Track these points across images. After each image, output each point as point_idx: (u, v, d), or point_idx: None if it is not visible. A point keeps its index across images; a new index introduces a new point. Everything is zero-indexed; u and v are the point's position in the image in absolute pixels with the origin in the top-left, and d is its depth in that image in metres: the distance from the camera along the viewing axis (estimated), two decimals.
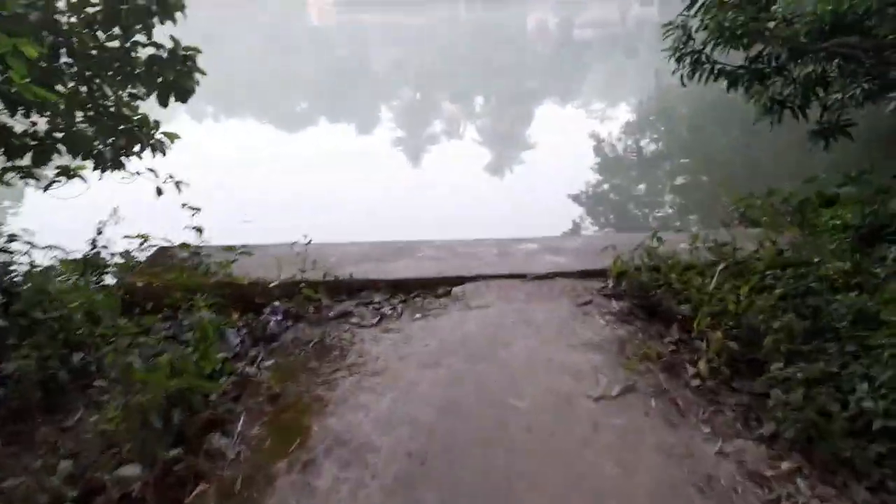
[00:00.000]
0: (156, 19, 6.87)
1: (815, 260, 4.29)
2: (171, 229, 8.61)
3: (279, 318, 4.18)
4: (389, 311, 4.26)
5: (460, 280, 4.55)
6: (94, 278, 4.78)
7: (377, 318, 4.18)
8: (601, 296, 4.32)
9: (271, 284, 4.39)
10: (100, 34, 6.49)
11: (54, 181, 7.58)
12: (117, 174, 7.74)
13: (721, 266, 4.12)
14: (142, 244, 5.35)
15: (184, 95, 7.28)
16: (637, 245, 4.68)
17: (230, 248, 4.50)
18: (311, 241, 4.71)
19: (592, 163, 12.57)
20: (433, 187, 11.28)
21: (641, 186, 10.91)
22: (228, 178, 11.00)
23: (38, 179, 7.41)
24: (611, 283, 4.42)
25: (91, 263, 4.98)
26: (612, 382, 3.42)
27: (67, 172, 7.65)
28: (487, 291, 4.39)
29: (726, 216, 6.60)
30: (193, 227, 4.94)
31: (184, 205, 4.86)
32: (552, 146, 14.05)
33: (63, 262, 4.92)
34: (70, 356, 3.88)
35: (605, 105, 19.95)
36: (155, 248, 5.40)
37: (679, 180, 11.06)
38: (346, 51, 30.11)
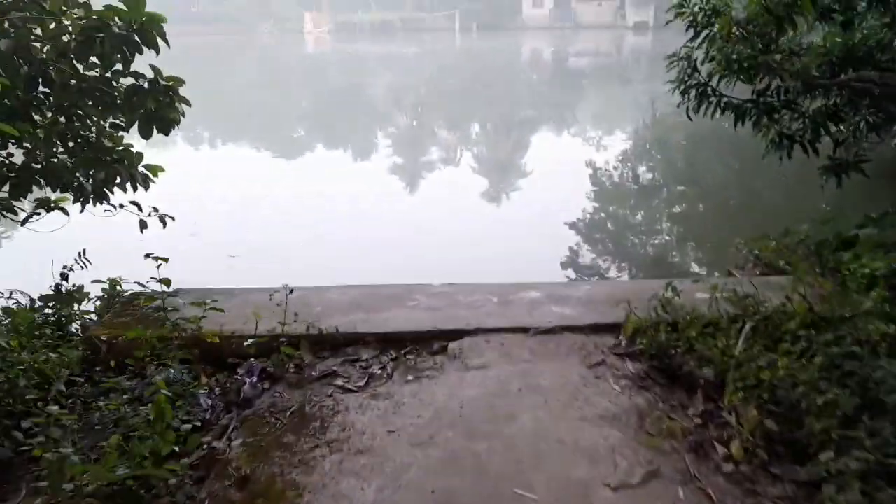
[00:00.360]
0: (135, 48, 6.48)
1: (849, 314, 3.85)
2: (152, 269, 8.13)
3: (254, 379, 3.69)
4: (378, 371, 3.77)
5: (457, 334, 4.06)
6: (52, 331, 4.28)
7: (364, 380, 3.69)
8: (614, 355, 3.84)
9: (246, 343, 3.89)
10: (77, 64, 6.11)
11: (33, 214, 7.13)
12: (100, 207, 7.32)
13: (748, 326, 3.65)
14: (112, 293, 4.88)
15: (165, 127, 6.83)
16: (650, 296, 4.23)
17: (200, 304, 3.99)
18: (292, 290, 4.22)
19: (591, 193, 12.18)
20: (429, 219, 10.83)
21: (645, 222, 10.48)
22: (217, 209, 10.55)
23: (15, 213, 6.95)
24: (624, 341, 3.95)
25: (51, 312, 4.49)
26: (632, 466, 2.93)
27: (47, 205, 7.19)
28: (487, 348, 3.91)
29: (739, 258, 6.15)
30: (159, 280, 4.43)
31: (147, 255, 4.34)
32: (549, 176, 13.63)
33: (19, 311, 4.44)
34: (18, 426, 3.39)
35: (603, 133, 19.64)
36: (127, 293, 4.91)
37: (683, 214, 10.64)
38: (342, 79, 29.86)
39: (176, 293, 4.96)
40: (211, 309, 3.92)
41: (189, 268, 8.11)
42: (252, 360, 3.85)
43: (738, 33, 6.50)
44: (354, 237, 9.45)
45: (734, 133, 7.43)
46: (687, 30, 7.02)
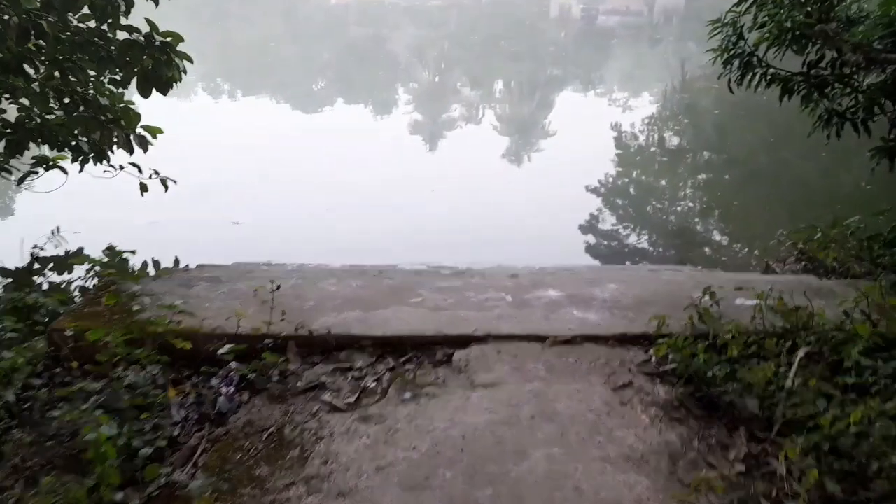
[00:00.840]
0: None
1: None
2: (150, 239, 7.69)
3: (231, 390, 3.21)
4: (372, 384, 3.28)
5: (464, 341, 3.54)
6: (16, 320, 3.81)
7: (356, 395, 3.19)
8: (643, 374, 3.31)
9: (220, 352, 3.38)
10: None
11: (30, 172, 6.67)
12: (100, 167, 6.83)
13: (801, 351, 3.09)
14: (89, 272, 4.42)
15: (163, 86, 6.31)
16: (684, 299, 3.70)
17: (172, 307, 3.50)
18: (279, 286, 3.70)
19: (615, 160, 11.52)
20: (447, 180, 10.26)
21: (672, 196, 9.83)
22: (226, 169, 10.03)
23: (10, 172, 6.50)
24: (654, 358, 3.41)
25: (15, 300, 4.03)
26: None
27: (45, 163, 6.72)
28: (497, 360, 3.39)
29: (781, 251, 5.55)
30: (153, 261, 3.94)
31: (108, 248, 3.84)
32: (573, 140, 12.98)
33: None
34: None
35: (630, 95, 18.79)
36: (104, 276, 4.43)
37: (716, 193, 9.95)
38: (362, 31, 28.92)
39: (159, 275, 4.49)
40: (181, 313, 3.42)
41: (190, 236, 7.68)
42: (232, 363, 3.37)
43: None
44: (369, 202, 8.95)
45: (769, 102, 6.72)
46: None
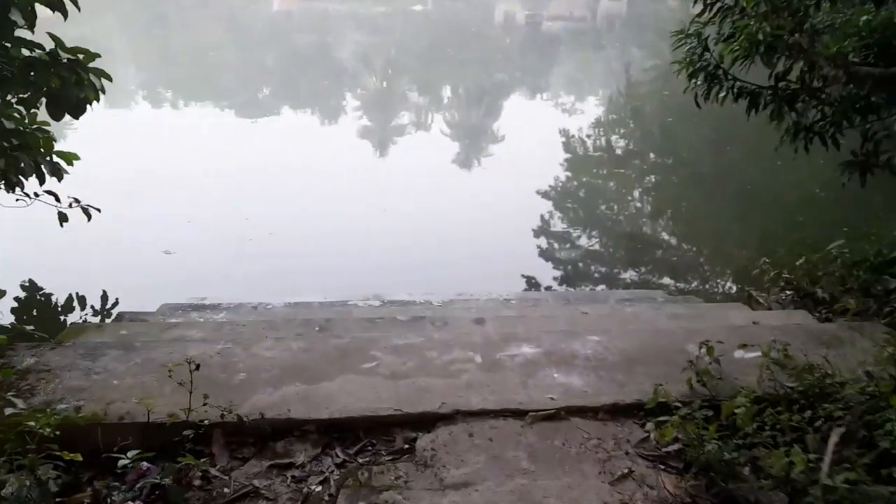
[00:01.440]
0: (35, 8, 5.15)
1: None
2: (77, 271, 6.81)
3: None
4: (317, 488, 2.60)
5: (429, 420, 2.90)
6: None
7: None
8: (643, 459, 2.72)
9: (121, 463, 2.63)
10: None
11: None
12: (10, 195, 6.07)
13: (835, 434, 2.54)
14: None
15: (74, 109, 5.52)
16: (677, 351, 3.15)
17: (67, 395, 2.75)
18: (198, 366, 2.97)
19: (565, 168, 11.07)
20: (397, 193, 9.61)
21: (632, 213, 9.37)
22: (158, 191, 9.14)
23: None
24: (654, 434, 2.84)
25: None
26: None
27: None
28: (470, 446, 2.76)
29: (765, 280, 5.05)
30: (77, 296, 3.18)
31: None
32: (525, 150, 12.45)
33: None
34: None
35: (576, 101, 18.45)
36: None
37: (680, 209, 9.50)
38: (307, 38, 28.00)
39: (61, 339, 3.73)
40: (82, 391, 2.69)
41: (114, 267, 6.84)
42: (143, 464, 2.66)
43: (764, 7, 5.36)
44: (317, 221, 8.23)
45: (718, 108, 6.31)
46: (695, 3, 5.90)
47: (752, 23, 5.32)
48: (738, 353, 3.34)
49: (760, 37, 5.19)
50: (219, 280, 6.66)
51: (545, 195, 9.60)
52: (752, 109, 5.79)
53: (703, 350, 3.17)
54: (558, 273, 7.30)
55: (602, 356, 3.37)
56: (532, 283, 7.05)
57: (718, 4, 5.80)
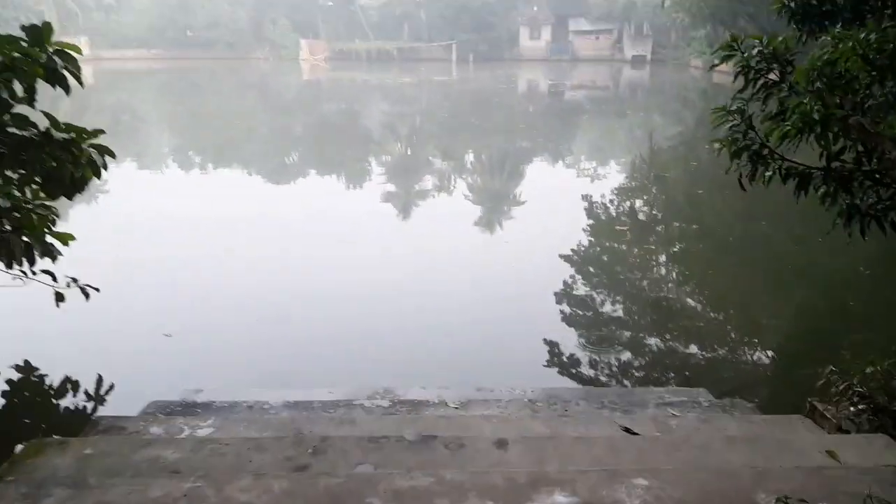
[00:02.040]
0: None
1: None
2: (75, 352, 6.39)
3: None
4: None
5: None
6: None
7: None
8: None
9: None
10: None
11: None
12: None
13: None
14: None
15: (69, 188, 5.11)
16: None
17: None
18: None
19: (589, 238, 10.42)
20: (412, 261, 9.06)
21: (663, 291, 8.66)
22: (166, 264, 8.66)
23: None
24: None
25: None
26: None
27: None
28: None
29: (832, 393, 4.30)
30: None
31: None
32: (548, 219, 11.89)
33: None
34: None
35: (599, 166, 17.96)
36: None
37: (715, 291, 8.77)
38: (336, 106, 28.14)
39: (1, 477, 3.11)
40: None
41: (112, 351, 6.32)
42: None
43: (819, 86, 4.81)
44: (330, 303, 7.65)
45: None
46: (735, 78, 5.37)
47: (805, 100, 4.75)
48: None
49: (816, 116, 4.61)
50: (220, 367, 6.08)
51: (571, 268, 9.00)
52: (802, 192, 5.19)
53: None
54: (587, 357, 6.60)
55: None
56: (559, 364, 6.37)
57: (762, 81, 5.27)
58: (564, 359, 6.62)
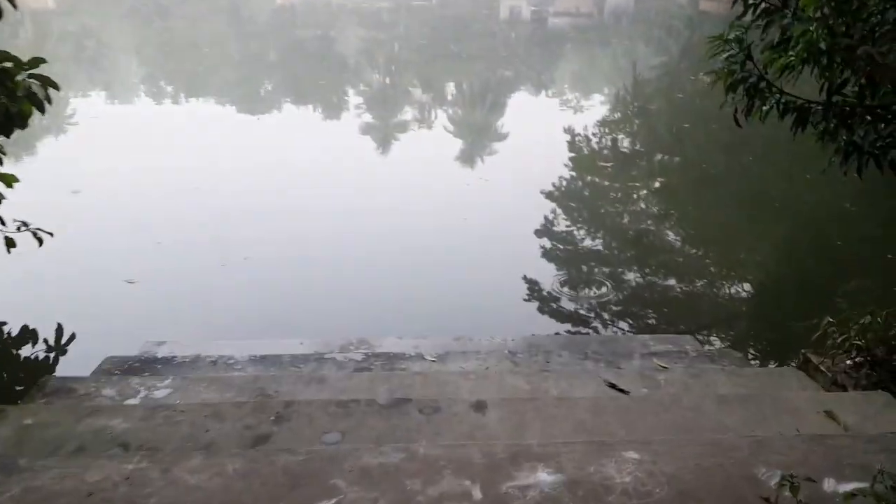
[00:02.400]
0: None
1: None
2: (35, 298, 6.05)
3: None
4: None
5: None
6: None
7: None
8: None
9: None
10: None
11: None
12: None
13: None
14: None
15: (5, 126, 4.65)
16: (748, 493, 2.20)
17: None
18: None
19: (569, 169, 10.08)
20: (391, 192, 8.69)
21: (648, 228, 8.36)
22: (124, 212, 8.14)
23: None
24: None
25: None
26: None
27: None
28: None
29: (829, 346, 4.07)
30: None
31: None
32: (530, 150, 11.49)
33: None
34: None
35: (581, 98, 17.42)
36: None
37: (701, 224, 8.50)
38: (310, 32, 26.94)
39: None
40: None
41: (79, 295, 5.94)
42: None
43: (826, 11, 4.39)
44: (302, 240, 7.28)
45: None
46: (734, 3, 4.92)
47: (811, 28, 4.33)
48: (829, 485, 2.40)
49: (823, 45, 4.21)
50: (186, 316, 5.74)
51: (553, 204, 8.68)
52: (799, 127, 4.85)
53: (783, 485, 2.23)
54: (568, 299, 6.33)
55: (647, 489, 2.41)
56: (540, 306, 6.14)
57: (763, 5, 4.83)
58: (546, 301, 6.37)
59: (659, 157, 11.54)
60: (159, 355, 4.54)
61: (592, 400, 3.25)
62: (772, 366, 4.89)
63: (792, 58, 4.43)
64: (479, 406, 3.20)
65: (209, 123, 13.38)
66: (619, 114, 15.83)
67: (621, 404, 3.22)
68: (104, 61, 21.31)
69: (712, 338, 5.48)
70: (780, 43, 4.70)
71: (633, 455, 2.57)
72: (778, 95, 4.82)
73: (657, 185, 9.91)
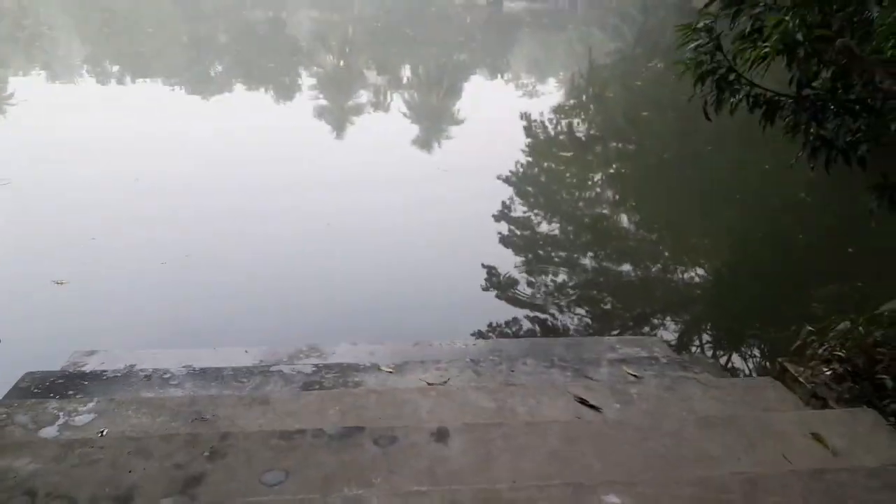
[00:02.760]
0: None
1: None
2: None
3: None
4: None
5: None
6: None
7: None
8: None
9: None
10: None
11: None
12: None
13: None
14: None
15: None
16: None
17: None
18: None
19: (526, 154, 9.80)
20: (346, 183, 8.26)
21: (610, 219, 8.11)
22: (54, 204, 7.52)
23: None
24: None
25: None
26: None
27: None
28: None
29: (808, 356, 3.84)
30: None
31: None
32: (486, 136, 11.15)
33: None
34: None
35: (537, 83, 17.17)
36: None
37: (662, 218, 8.28)
38: (258, 15, 25.98)
39: None
40: None
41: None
42: None
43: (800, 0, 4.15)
44: (250, 233, 6.81)
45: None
46: None
47: (787, 18, 4.07)
48: None
49: (799, 36, 3.96)
50: (120, 319, 5.24)
51: (510, 191, 8.39)
52: (768, 121, 4.62)
53: None
54: (531, 294, 6.04)
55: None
56: (500, 296, 5.85)
57: None
58: (504, 288, 6.11)
59: (614, 144, 11.35)
60: (87, 369, 4.08)
61: (564, 425, 2.94)
62: (746, 374, 4.67)
63: (767, 49, 4.17)
64: (441, 434, 2.85)
65: (153, 108, 12.64)
66: (574, 100, 15.62)
67: (595, 430, 2.92)
68: (43, 41, 20.12)
69: (677, 336, 5.25)
70: (752, 33, 4.45)
71: (614, 500, 2.27)
72: (748, 87, 4.57)
73: (612, 171, 9.71)
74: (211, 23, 24.23)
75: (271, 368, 3.99)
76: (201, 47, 19.93)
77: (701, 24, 4.59)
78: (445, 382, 3.80)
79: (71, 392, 3.68)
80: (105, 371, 3.95)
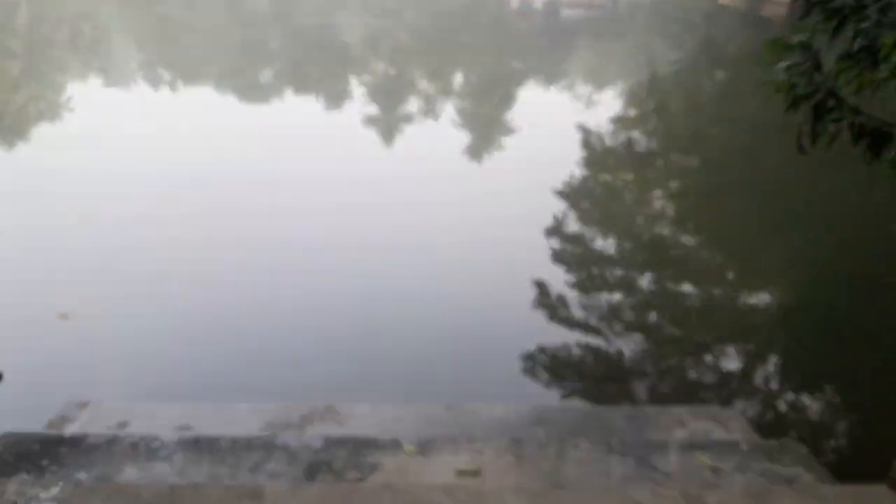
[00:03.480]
0: None
1: None
2: None
3: None
4: None
5: None
6: None
7: None
8: None
9: None
10: None
11: None
12: None
13: None
14: None
15: None
16: None
17: None
18: None
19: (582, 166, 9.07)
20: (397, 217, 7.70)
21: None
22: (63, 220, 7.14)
23: None
24: None
25: None
26: None
27: None
28: None
29: None
30: None
31: None
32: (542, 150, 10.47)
33: None
34: None
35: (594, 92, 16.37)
36: None
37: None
38: (311, 20, 25.87)
39: None
40: None
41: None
42: None
43: None
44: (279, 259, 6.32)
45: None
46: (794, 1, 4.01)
47: None
48: None
49: None
50: (126, 359, 4.78)
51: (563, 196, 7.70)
52: (874, 156, 3.88)
53: None
54: (583, 346, 5.37)
55: None
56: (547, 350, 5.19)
57: (835, 4, 3.88)
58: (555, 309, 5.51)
59: (674, 158, 10.52)
60: (71, 429, 3.60)
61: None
62: (848, 466, 3.89)
63: (884, 75, 3.47)
64: None
65: (200, 115, 12.41)
66: (634, 112, 14.78)
67: None
68: (101, 46, 20.37)
69: (755, 407, 4.49)
70: (859, 51, 3.74)
71: None
72: (851, 116, 3.86)
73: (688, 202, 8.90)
74: (267, 28, 24.20)
75: (276, 441, 3.42)
76: (256, 54, 19.83)
77: (795, 41, 3.90)
78: (478, 472, 3.17)
79: (45, 462, 3.20)
80: (86, 437, 3.43)
